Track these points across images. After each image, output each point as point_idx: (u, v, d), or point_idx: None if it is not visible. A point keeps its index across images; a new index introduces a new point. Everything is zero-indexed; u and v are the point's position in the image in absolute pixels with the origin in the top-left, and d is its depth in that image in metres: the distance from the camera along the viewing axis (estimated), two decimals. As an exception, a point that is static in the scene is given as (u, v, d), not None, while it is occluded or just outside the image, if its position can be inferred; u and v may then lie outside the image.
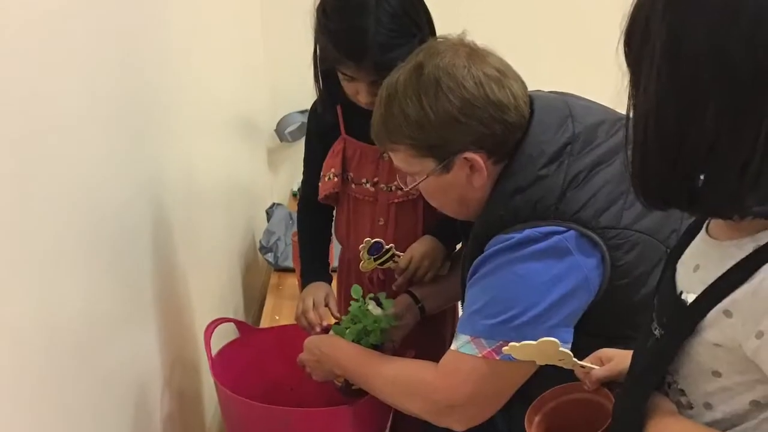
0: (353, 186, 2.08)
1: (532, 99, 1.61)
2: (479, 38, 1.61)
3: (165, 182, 2.03)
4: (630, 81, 1.03)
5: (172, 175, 2.12)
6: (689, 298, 1.07)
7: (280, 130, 3.86)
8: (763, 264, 0.97)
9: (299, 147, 2.36)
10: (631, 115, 1.04)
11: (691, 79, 0.95)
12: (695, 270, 1.10)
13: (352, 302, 1.93)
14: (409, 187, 1.68)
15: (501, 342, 1.49)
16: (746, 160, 0.93)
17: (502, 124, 1.54)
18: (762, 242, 0.99)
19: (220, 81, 2.90)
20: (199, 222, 2.47)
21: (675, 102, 0.97)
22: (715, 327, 1.04)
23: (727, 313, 1.01)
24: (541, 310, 1.49)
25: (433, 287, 2.04)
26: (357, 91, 1.90)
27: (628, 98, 1.04)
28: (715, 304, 1.02)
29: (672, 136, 0.98)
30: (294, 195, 3.94)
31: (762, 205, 0.95)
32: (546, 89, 1.71)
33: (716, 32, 0.92)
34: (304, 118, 2.64)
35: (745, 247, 1.00)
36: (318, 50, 1.94)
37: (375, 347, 1.86)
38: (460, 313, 1.70)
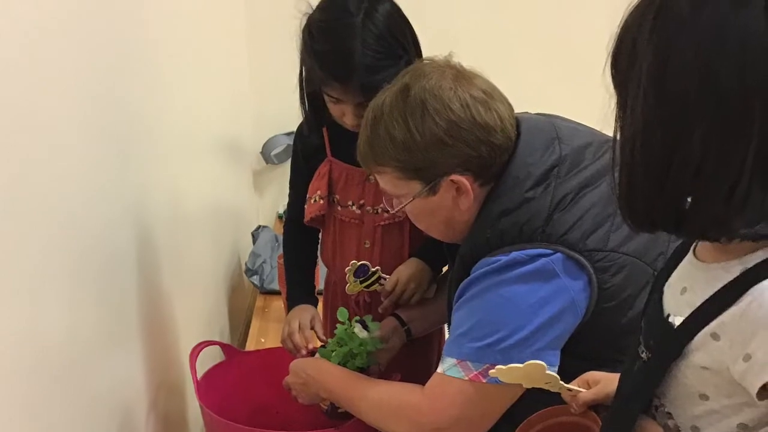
0: (339, 208, 2.08)
1: (518, 121, 1.60)
2: (466, 60, 1.62)
3: (150, 205, 2.02)
4: (617, 103, 1.03)
5: (157, 198, 2.11)
6: (676, 320, 1.07)
7: (265, 152, 3.85)
8: (751, 286, 0.97)
9: (285, 169, 2.36)
10: (618, 137, 1.04)
11: (678, 101, 0.94)
12: (682, 292, 1.10)
13: (338, 325, 1.93)
14: (396, 209, 1.68)
15: (487, 365, 1.48)
16: (733, 183, 0.93)
17: (489, 146, 1.53)
18: (749, 265, 0.99)
19: (205, 103, 2.89)
20: (184, 244, 2.46)
21: (662, 124, 0.96)
22: (702, 350, 1.03)
23: (715, 336, 1.01)
24: (527, 333, 1.49)
25: (420, 310, 2.04)
26: (343, 113, 1.89)
27: (615, 120, 1.04)
28: (703, 327, 1.02)
29: (659, 159, 0.97)
30: (280, 217, 3.93)
31: (749, 227, 0.95)
32: (533, 111, 1.70)
33: (703, 54, 0.92)
34: (290, 140, 2.64)
35: (733, 269, 1.00)
36: (304, 72, 1.94)
37: (361, 370, 1.86)
38: (447, 335, 1.70)
